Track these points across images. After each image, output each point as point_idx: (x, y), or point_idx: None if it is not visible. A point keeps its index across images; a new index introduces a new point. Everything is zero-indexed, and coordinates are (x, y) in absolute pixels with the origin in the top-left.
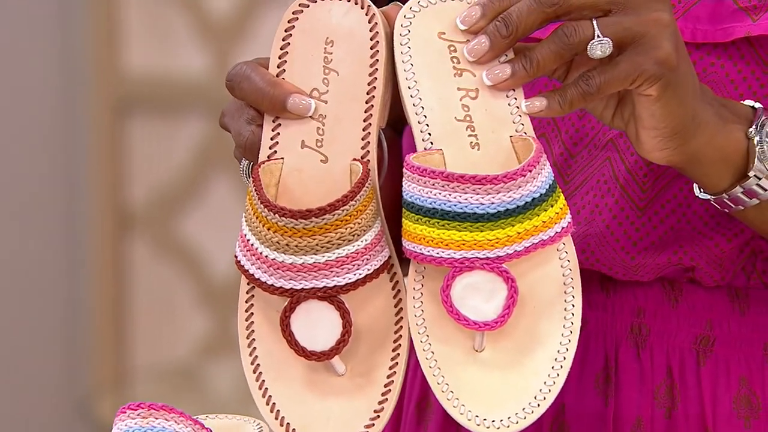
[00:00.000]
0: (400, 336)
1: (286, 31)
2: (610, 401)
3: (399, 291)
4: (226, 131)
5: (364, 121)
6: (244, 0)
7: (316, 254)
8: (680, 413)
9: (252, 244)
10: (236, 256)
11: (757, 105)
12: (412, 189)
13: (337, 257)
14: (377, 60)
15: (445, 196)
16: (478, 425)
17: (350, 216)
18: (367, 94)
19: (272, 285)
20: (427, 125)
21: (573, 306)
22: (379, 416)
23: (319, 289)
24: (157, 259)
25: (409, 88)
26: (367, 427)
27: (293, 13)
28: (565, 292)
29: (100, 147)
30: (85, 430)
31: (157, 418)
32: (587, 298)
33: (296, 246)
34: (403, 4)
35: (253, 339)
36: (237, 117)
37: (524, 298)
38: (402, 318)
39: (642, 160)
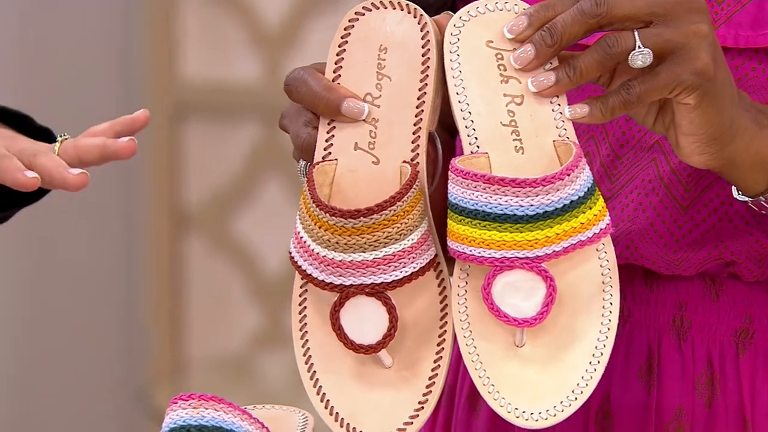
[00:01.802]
0: (445, 331)
1: (342, 38)
2: (652, 391)
3: (444, 288)
4: (285, 132)
5: (415, 125)
6: (294, 12)
7: (364, 252)
8: (720, 403)
9: (305, 242)
10: (290, 253)
11: None
12: (456, 191)
13: (384, 255)
14: (428, 66)
15: (486, 198)
16: (517, 417)
17: (397, 216)
18: (418, 99)
19: (323, 281)
20: (474, 129)
21: (611, 304)
22: (423, 407)
23: (367, 285)
24: (211, 256)
25: (457, 93)
26: (412, 417)
27: (349, 21)
28: (603, 291)
29: (159, 150)
30: (143, 417)
31: (206, 409)
32: (631, 292)
33: (345, 244)
34: (454, 13)
35: (306, 332)
36: (295, 119)
37: (563, 295)
38: (447, 314)
39: (684, 162)
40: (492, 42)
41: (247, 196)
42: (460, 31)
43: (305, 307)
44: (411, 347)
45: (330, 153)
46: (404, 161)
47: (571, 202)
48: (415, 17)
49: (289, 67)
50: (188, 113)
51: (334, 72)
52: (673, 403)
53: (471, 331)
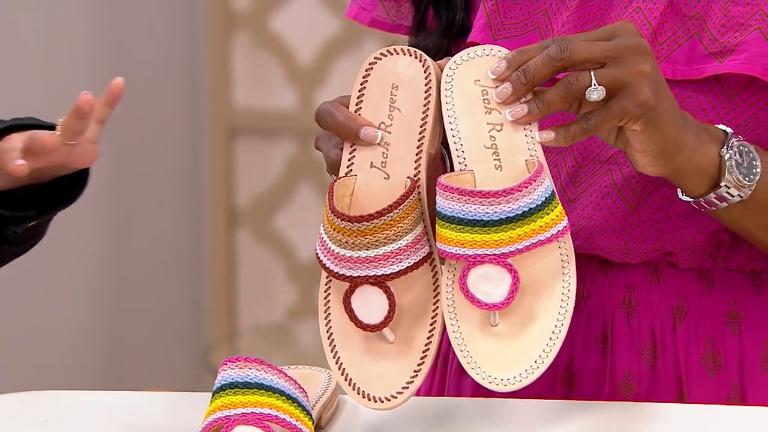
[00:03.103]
0: (436, 313)
1: (363, 77)
2: (607, 357)
3: (437, 279)
4: (319, 151)
5: (417, 147)
6: (323, 54)
7: (368, 250)
8: (660, 366)
9: (325, 242)
10: (316, 253)
11: (728, 129)
12: (440, 202)
13: (383, 252)
14: (429, 101)
15: (460, 206)
16: (490, 383)
17: (393, 221)
18: (420, 126)
19: (338, 273)
20: (463, 151)
21: (568, 291)
22: (417, 374)
23: (371, 276)
24: (257, 246)
25: (450, 122)
26: (408, 382)
27: (369, 64)
28: (562, 279)
29: (217, 163)
30: (205, 374)
31: (250, 369)
32: (590, 277)
33: (353, 243)
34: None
35: (329, 314)
36: (326, 142)
37: (526, 284)
38: (438, 299)
39: (635, 172)
40: (479, 80)
41: (284, 199)
42: (454, 72)
43: (329, 294)
44: (408, 326)
45: (351, 170)
46: (408, 176)
47: (530, 209)
48: (420, 61)
49: (319, 98)
50: (239, 134)
51: (356, 105)
52: (623, 366)
53: (455, 314)
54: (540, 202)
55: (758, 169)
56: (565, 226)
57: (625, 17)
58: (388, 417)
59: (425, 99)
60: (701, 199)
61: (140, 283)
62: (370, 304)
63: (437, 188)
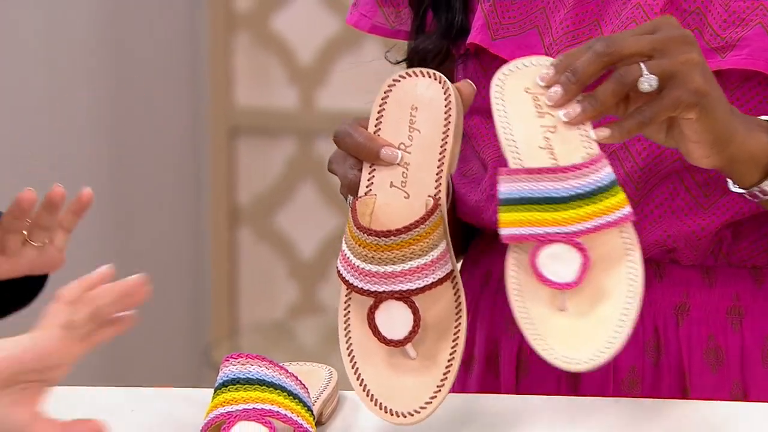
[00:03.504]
0: (459, 330)
1: (382, 99)
2: None
3: (459, 296)
4: (334, 174)
5: (438, 167)
6: (323, 54)
7: (394, 265)
8: (664, 362)
9: (349, 258)
10: (338, 269)
11: None
12: (505, 188)
13: (409, 268)
14: (449, 122)
15: (528, 186)
16: (564, 362)
17: (420, 237)
18: (441, 147)
19: (362, 288)
20: (518, 153)
21: (636, 274)
22: (440, 390)
23: (396, 291)
24: (259, 244)
25: (503, 128)
26: (431, 398)
27: (388, 86)
28: (628, 262)
29: (218, 161)
30: (207, 370)
31: (252, 365)
32: None
33: (380, 258)
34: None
35: (349, 331)
36: (341, 164)
37: (595, 264)
38: (461, 316)
39: (636, 168)
40: (529, 89)
41: (285, 198)
42: (503, 82)
43: (348, 311)
44: (431, 342)
45: (371, 189)
46: (429, 196)
47: (598, 187)
48: (440, 83)
49: (319, 98)
50: (241, 133)
51: (375, 126)
52: (627, 362)
53: (522, 298)
54: (606, 182)
55: None
56: (630, 212)
57: (624, 13)
58: None
59: (445, 120)
60: (755, 188)
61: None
62: (395, 319)
63: (501, 177)
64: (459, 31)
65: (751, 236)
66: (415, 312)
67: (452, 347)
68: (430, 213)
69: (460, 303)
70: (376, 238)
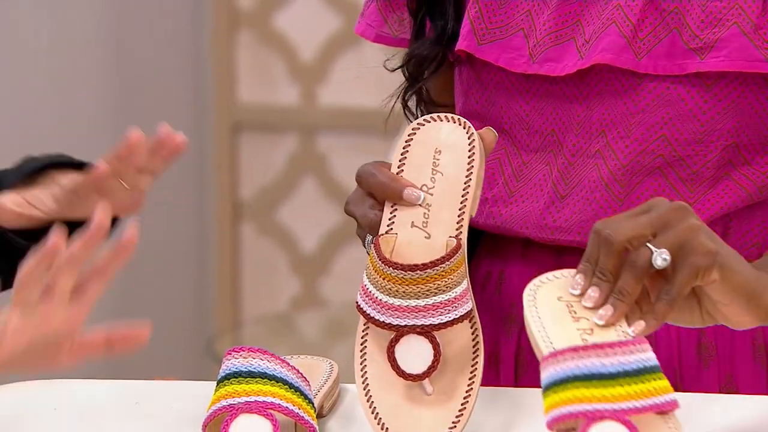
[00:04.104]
0: (476, 368)
1: (406, 141)
2: None
3: (477, 334)
4: (351, 216)
5: (460, 209)
6: (324, 51)
7: (418, 299)
8: (657, 358)
9: (370, 292)
10: (357, 303)
11: None
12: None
13: (433, 303)
14: (473, 166)
15: (575, 364)
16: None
17: (445, 273)
18: (463, 189)
19: (383, 321)
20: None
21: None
22: (456, 426)
23: (418, 326)
24: (261, 238)
25: (538, 331)
26: (450, 428)
27: (413, 129)
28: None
29: (221, 157)
30: (210, 363)
31: (254, 359)
32: None
33: (404, 292)
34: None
35: (365, 364)
36: (360, 205)
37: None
38: (478, 353)
39: (620, 165)
40: (561, 297)
41: (287, 192)
42: (534, 293)
43: (365, 345)
44: (449, 378)
45: (392, 228)
46: (450, 236)
47: (645, 367)
48: (464, 129)
49: (320, 94)
50: (243, 129)
51: (398, 167)
52: None
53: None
54: (652, 364)
55: None
56: (675, 400)
57: (605, 14)
58: None
59: (469, 163)
60: None
61: (146, 275)
62: (415, 353)
63: (545, 360)
64: (451, 38)
65: (740, 230)
66: (436, 347)
67: (469, 383)
68: (454, 251)
69: (477, 341)
70: (402, 272)
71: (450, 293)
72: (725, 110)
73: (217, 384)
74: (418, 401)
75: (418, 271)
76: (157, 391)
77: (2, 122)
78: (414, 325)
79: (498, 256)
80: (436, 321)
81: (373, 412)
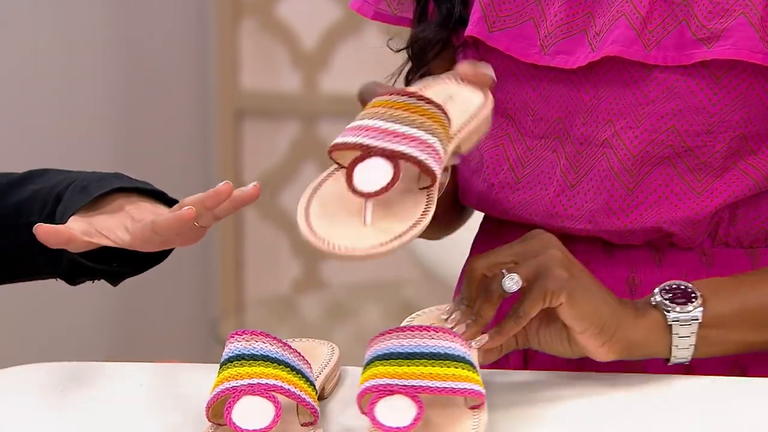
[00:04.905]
0: (421, 220)
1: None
2: None
3: (431, 199)
4: (361, 101)
5: (462, 124)
6: (326, 38)
7: (401, 124)
8: None
9: (350, 125)
10: (331, 145)
11: (655, 300)
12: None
13: (413, 134)
14: (480, 111)
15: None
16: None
17: (434, 117)
18: (469, 118)
19: (355, 142)
20: None
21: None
22: (385, 245)
23: (388, 149)
24: (264, 222)
25: None
26: (381, 244)
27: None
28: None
29: (225, 142)
30: (214, 343)
31: (257, 342)
32: (594, 258)
33: (390, 115)
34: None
35: (319, 187)
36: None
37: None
38: (428, 211)
39: (630, 154)
40: (433, 323)
41: (289, 177)
42: (410, 323)
43: (326, 178)
44: (390, 222)
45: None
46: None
47: (445, 353)
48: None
49: (322, 81)
50: (246, 115)
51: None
52: None
53: None
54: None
55: (696, 300)
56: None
57: (615, 6)
58: None
59: (476, 109)
60: (673, 360)
61: None
62: (374, 174)
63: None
64: (458, 21)
65: (747, 217)
66: (397, 169)
67: (412, 225)
68: (448, 121)
69: (431, 191)
70: (399, 97)
71: (429, 137)
72: (734, 102)
73: (220, 367)
74: (351, 225)
75: (414, 99)
76: (161, 373)
77: (7, 106)
78: (384, 147)
79: (504, 243)
80: (407, 150)
81: (307, 217)
